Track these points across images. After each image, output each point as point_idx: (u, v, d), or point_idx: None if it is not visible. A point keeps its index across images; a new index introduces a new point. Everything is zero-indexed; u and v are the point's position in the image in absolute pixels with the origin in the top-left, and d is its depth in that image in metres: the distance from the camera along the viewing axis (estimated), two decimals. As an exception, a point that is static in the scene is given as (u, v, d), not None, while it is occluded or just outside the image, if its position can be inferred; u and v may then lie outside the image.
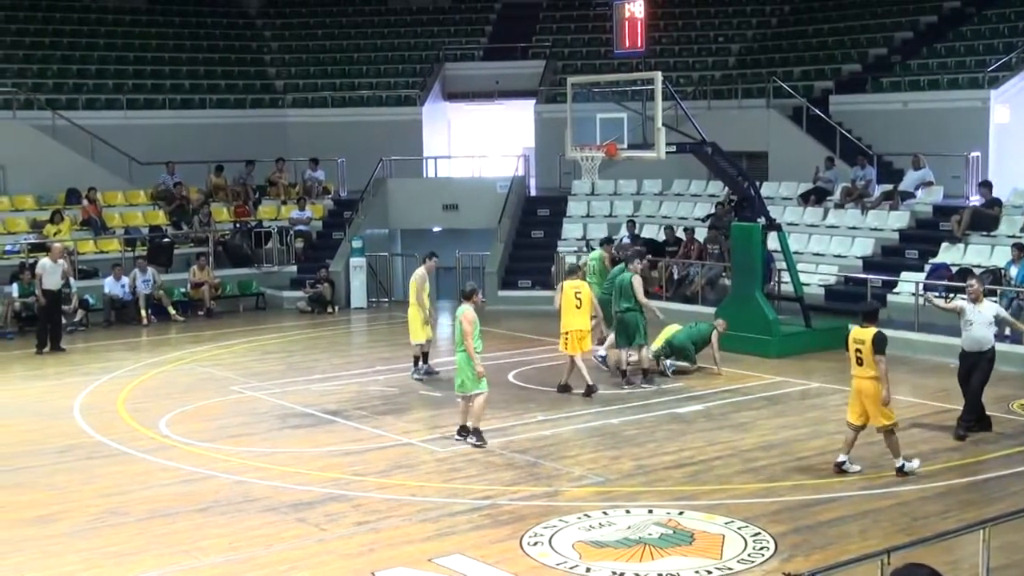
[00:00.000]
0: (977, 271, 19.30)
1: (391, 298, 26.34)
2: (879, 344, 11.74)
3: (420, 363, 17.45)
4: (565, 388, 16.26)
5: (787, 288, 20.31)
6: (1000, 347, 17.55)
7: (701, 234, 23.69)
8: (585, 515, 10.83)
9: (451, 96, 32.94)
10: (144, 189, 27.49)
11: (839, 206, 23.58)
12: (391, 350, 19.68)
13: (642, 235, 24.85)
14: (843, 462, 12.08)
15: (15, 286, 22.19)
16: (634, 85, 19.37)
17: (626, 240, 23.93)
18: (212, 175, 27.95)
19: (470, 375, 13.22)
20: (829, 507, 11.04)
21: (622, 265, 17.31)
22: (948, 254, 20.52)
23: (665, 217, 25.68)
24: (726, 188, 23.47)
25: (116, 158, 27.37)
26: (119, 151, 27.37)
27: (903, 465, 11.92)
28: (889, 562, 6.60)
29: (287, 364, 18.89)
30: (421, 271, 17.55)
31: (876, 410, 11.87)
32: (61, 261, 20.56)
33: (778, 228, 19.80)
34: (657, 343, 17.48)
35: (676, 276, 23.08)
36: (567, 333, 16.25)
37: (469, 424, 13.47)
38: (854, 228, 22.78)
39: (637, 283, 16.54)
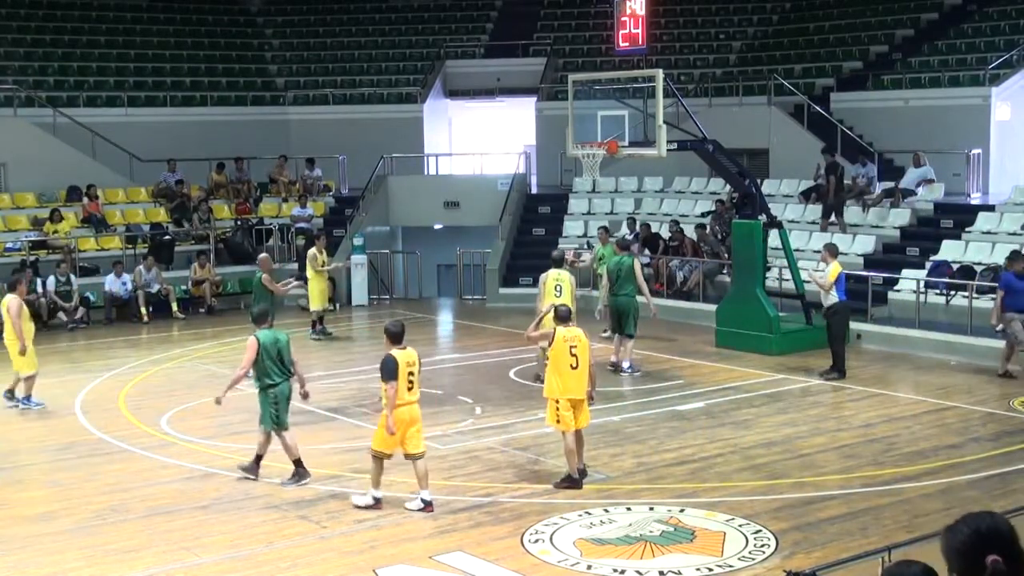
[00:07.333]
0: (978, 268, 19.37)
1: (392, 295, 26.35)
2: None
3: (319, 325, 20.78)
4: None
5: (788, 285, 20.28)
6: (1000, 345, 17.66)
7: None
8: (586, 512, 10.83)
9: (452, 93, 32.92)
10: (145, 186, 27.48)
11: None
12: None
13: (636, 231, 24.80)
14: None
15: (16, 283, 22.18)
16: (635, 82, 19.33)
17: (628, 236, 23.89)
18: (213, 172, 27.95)
19: None
20: (830, 504, 11.03)
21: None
22: (949, 251, 20.50)
23: (666, 215, 25.67)
24: (728, 186, 23.45)
25: (117, 155, 27.38)
26: (120, 148, 27.37)
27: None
28: (890, 559, 6.60)
29: (288, 361, 18.84)
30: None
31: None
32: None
33: (779, 225, 19.80)
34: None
35: (674, 273, 23.04)
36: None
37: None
38: (855, 226, 22.74)
39: (637, 266, 17.30)
